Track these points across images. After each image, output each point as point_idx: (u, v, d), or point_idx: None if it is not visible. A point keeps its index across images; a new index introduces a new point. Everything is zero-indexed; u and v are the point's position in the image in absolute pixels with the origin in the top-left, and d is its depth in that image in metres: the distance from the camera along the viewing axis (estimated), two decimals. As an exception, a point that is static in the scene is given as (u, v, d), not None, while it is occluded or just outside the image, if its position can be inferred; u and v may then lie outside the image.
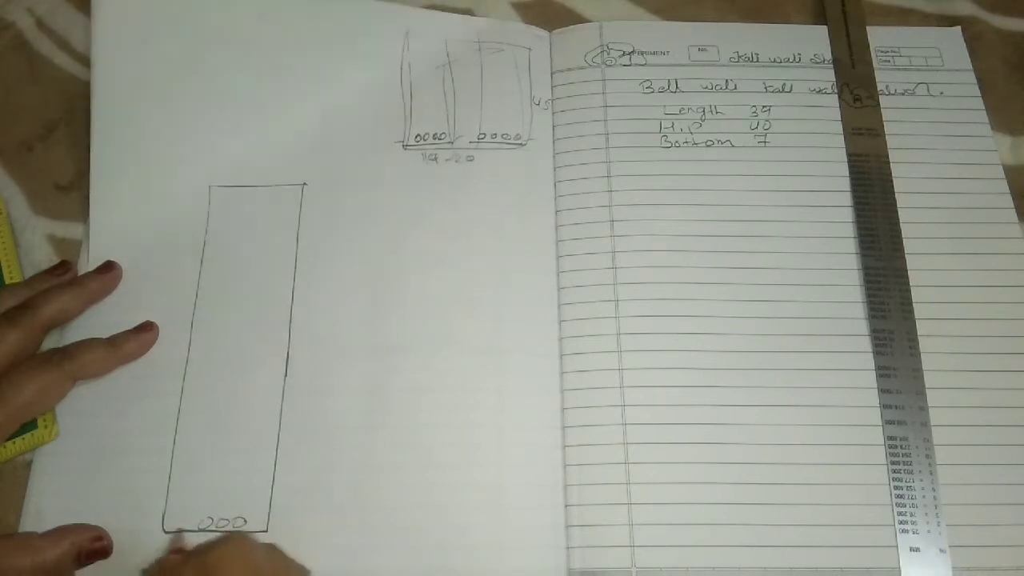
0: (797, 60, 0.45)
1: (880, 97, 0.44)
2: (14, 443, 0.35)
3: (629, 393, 0.37)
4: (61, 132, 0.43)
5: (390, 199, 0.41)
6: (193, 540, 0.34)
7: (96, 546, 0.33)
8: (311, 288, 0.39)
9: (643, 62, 0.45)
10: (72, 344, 0.36)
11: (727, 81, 0.44)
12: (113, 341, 0.37)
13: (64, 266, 0.39)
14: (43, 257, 0.40)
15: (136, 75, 0.42)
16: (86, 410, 0.37)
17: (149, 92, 0.42)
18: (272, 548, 0.32)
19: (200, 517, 0.35)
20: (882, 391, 0.37)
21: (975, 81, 0.44)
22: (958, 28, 0.46)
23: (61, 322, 0.37)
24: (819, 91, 0.44)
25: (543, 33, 0.46)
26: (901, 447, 0.36)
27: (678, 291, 0.39)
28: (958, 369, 0.38)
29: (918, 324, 0.38)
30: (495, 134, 0.43)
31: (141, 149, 0.41)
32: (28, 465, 0.36)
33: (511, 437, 0.37)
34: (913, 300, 0.39)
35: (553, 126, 0.43)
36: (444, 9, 0.46)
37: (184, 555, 0.31)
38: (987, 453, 0.36)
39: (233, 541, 0.31)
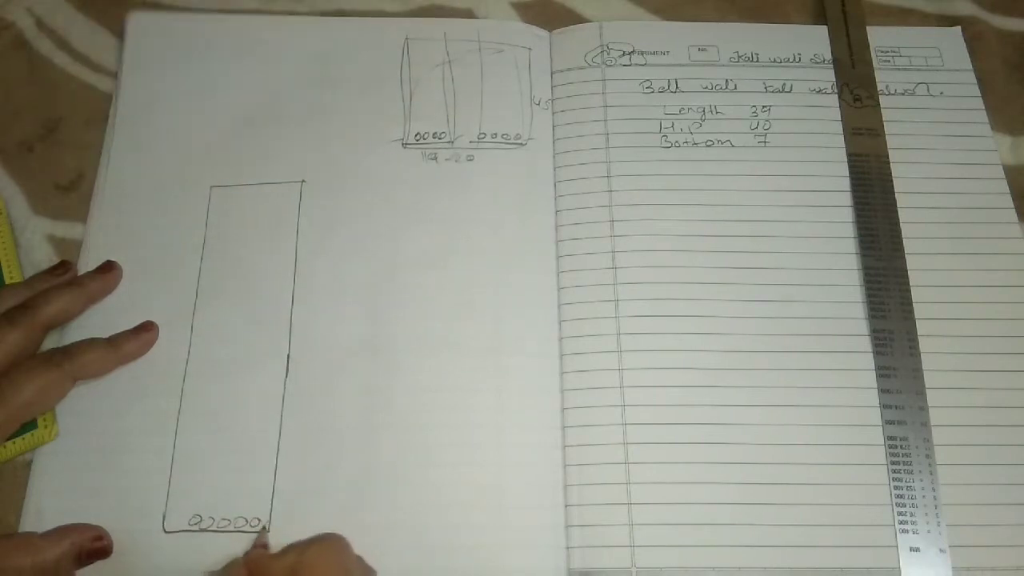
0: (797, 60, 0.45)
1: (880, 97, 0.44)
2: (14, 443, 0.35)
3: (629, 393, 0.37)
4: (61, 132, 0.43)
5: (389, 198, 0.41)
6: (195, 539, 0.34)
7: (96, 546, 0.33)
8: (311, 288, 0.39)
9: (643, 62, 0.45)
10: (72, 344, 0.36)
11: (727, 81, 0.44)
12: (113, 341, 0.37)
13: (64, 266, 0.39)
14: (43, 257, 0.40)
15: (156, 89, 0.43)
16: (86, 410, 0.37)
17: (163, 103, 0.43)
18: (361, 559, 0.32)
19: (200, 517, 0.35)
20: (882, 391, 0.37)
21: (975, 81, 0.44)
22: (958, 28, 0.46)
23: (61, 322, 0.37)
24: (819, 91, 0.44)
25: (543, 33, 0.46)
26: (901, 447, 0.36)
27: (678, 291, 0.39)
28: (958, 369, 0.38)
29: (918, 324, 0.38)
30: (495, 134, 0.43)
31: (145, 152, 0.42)
32: (28, 465, 0.36)
33: (511, 437, 0.37)
34: (913, 300, 0.39)
35: (553, 126, 0.43)
36: (444, 9, 0.46)
37: (275, 552, 0.31)
38: (987, 453, 0.36)
39: (331, 540, 0.31)
